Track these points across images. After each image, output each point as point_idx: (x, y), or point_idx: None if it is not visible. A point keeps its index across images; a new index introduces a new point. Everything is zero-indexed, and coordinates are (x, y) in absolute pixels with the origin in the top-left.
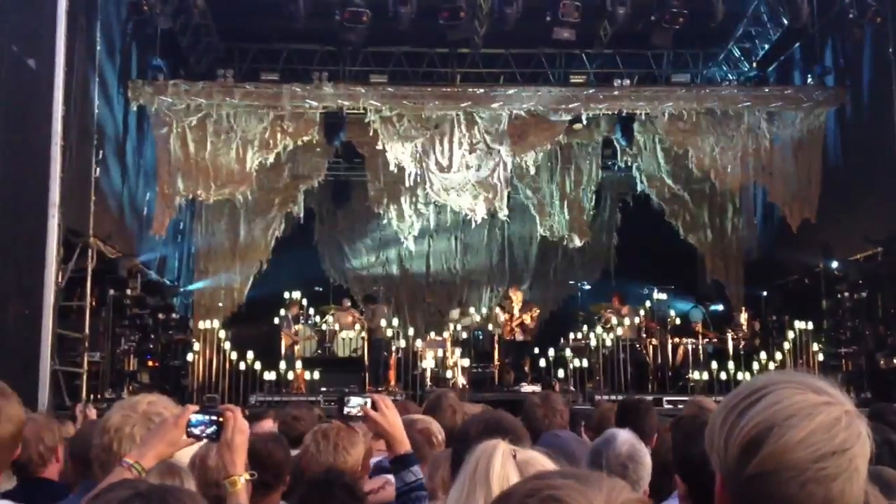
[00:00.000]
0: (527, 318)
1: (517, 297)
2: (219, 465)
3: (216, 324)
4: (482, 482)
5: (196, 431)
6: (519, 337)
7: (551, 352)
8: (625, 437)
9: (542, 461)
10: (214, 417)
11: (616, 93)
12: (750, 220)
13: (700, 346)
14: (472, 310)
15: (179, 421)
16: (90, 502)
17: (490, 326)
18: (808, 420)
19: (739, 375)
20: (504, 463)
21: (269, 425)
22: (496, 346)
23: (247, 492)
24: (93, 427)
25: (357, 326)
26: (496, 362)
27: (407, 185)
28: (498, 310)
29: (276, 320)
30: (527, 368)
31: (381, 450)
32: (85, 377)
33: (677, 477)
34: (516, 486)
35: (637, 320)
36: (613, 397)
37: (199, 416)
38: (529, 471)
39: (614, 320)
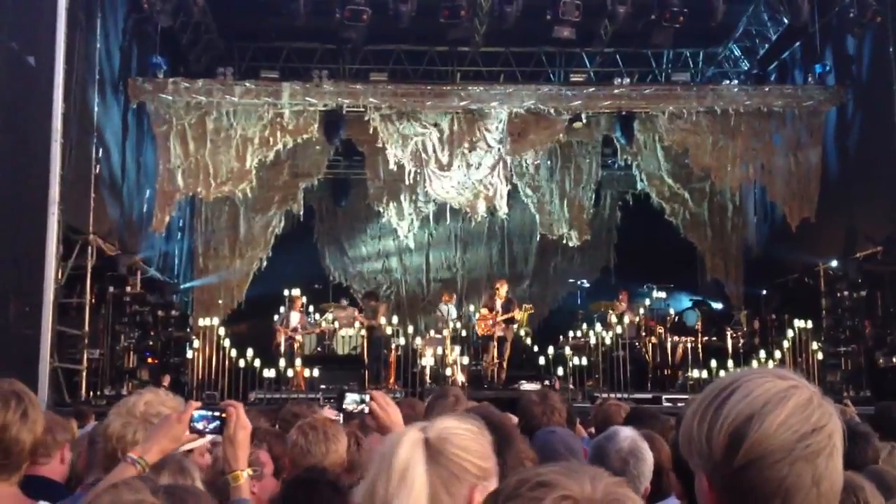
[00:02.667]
0: (517, 314)
1: (501, 290)
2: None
3: (216, 321)
4: (384, 470)
5: (199, 427)
6: (499, 333)
7: (551, 350)
8: (626, 434)
9: (457, 432)
10: (217, 413)
11: (616, 91)
12: (749, 218)
13: (699, 345)
14: (450, 310)
15: (182, 417)
16: (96, 498)
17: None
18: (782, 404)
19: None
20: (410, 450)
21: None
22: (495, 343)
23: (249, 486)
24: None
25: (357, 324)
26: (495, 360)
27: (407, 183)
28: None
29: (276, 318)
30: (504, 364)
31: None
32: (84, 374)
33: (673, 476)
34: (507, 480)
35: (637, 319)
36: (614, 395)
37: (202, 412)
38: (446, 447)
39: (614, 319)
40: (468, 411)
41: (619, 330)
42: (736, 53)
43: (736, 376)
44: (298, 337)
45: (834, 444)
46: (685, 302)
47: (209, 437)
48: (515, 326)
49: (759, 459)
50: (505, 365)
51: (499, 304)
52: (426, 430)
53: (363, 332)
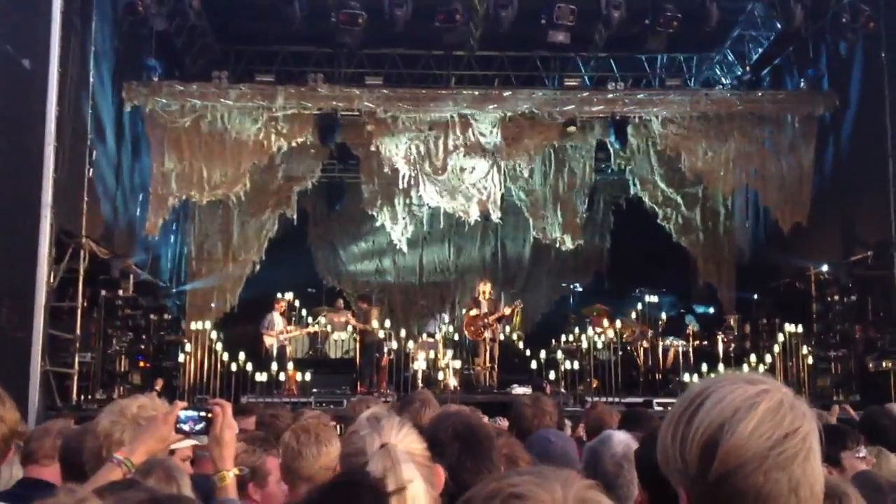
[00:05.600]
0: (507, 311)
1: (486, 291)
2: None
3: (208, 325)
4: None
5: (185, 428)
6: (488, 335)
7: (543, 354)
8: (620, 438)
9: (406, 433)
10: (203, 413)
11: (610, 96)
12: (742, 223)
13: (691, 349)
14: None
15: (168, 417)
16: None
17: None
18: (752, 410)
19: None
20: (396, 461)
21: (252, 422)
22: (486, 347)
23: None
24: (84, 431)
25: (349, 328)
26: (487, 363)
27: (401, 187)
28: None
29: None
30: (496, 367)
31: None
32: (76, 378)
33: (640, 485)
34: (477, 488)
35: (619, 326)
36: (605, 399)
37: (188, 413)
38: (410, 448)
39: (603, 323)
40: (445, 414)
41: (610, 334)
42: (729, 58)
43: (705, 385)
44: (289, 348)
45: (809, 446)
46: (675, 307)
47: (193, 441)
48: (508, 329)
49: (734, 470)
50: (497, 368)
51: (484, 305)
52: (384, 440)
53: (356, 335)
